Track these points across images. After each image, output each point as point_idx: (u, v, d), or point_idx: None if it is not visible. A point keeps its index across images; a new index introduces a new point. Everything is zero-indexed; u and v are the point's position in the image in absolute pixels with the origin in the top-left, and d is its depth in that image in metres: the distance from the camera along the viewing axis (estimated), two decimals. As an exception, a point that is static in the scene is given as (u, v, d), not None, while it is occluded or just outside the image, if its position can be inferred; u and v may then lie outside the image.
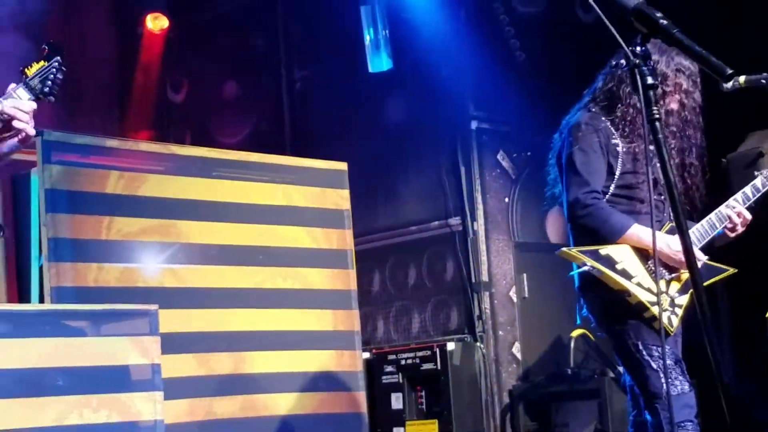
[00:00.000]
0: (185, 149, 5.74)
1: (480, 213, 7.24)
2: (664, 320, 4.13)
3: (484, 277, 7.17)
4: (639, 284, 4.13)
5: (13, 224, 5.28)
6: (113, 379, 4.16)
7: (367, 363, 6.77)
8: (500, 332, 7.17)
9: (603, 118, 4.29)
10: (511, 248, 7.33)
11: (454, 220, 7.28)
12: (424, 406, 6.91)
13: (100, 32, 8.89)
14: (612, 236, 4.17)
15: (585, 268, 4.18)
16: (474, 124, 7.28)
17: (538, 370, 7.15)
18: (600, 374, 6.62)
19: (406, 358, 6.96)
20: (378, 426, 6.86)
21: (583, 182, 4.20)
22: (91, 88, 8.75)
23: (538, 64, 7.25)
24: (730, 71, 2.72)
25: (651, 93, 2.82)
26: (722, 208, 4.36)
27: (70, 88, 8.07)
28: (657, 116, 2.81)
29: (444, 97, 7.28)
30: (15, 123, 3.02)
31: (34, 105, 3.08)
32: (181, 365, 5.04)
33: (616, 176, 4.26)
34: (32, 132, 3.05)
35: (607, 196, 4.25)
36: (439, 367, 6.83)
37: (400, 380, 6.96)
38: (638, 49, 2.83)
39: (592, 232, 4.20)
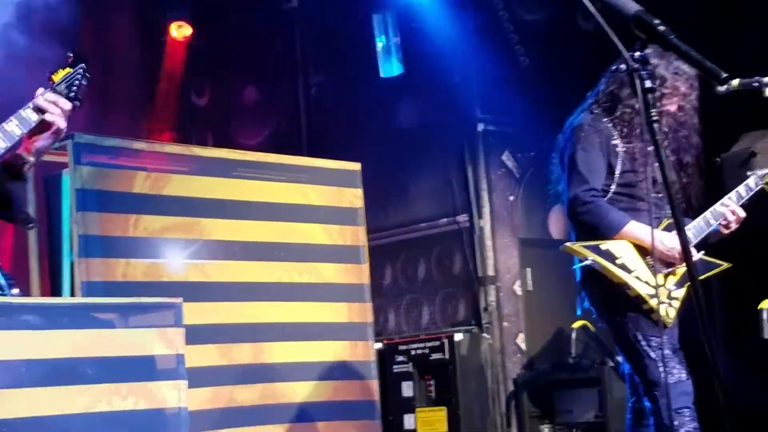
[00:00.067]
0: (207, 151, 5.74)
1: (486, 210, 7.23)
2: (662, 312, 4.12)
3: (490, 272, 7.16)
4: (638, 278, 4.12)
5: (46, 223, 5.29)
6: (140, 369, 4.16)
7: (380, 353, 6.75)
8: (505, 324, 7.16)
9: (604, 120, 4.28)
10: (515, 244, 7.32)
11: (462, 217, 7.27)
12: (433, 394, 6.90)
13: (127, 40, 8.90)
14: (609, 232, 4.16)
15: (587, 262, 4.17)
16: (480, 126, 7.28)
17: (542, 360, 7.14)
18: (600, 363, 6.60)
19: (416, 349, 6.95)
20: (389, 413, 6.85)
21: (583, 180, 4.18)
22: (119, 92, 8.76)
23: (541, 70, 7.23)
24: (724, 75, 2.70)
25: (649, 96, 2.81)
26: (717, 206, 4.35)
27: (100, 92, 8.15)
28: (655, 118, 2.80)
29: (452, 100, 7.27)
30: (47, 116, 3.03)
31: (69, 104, 3.09)
32: (204, 355, 5.04)
33: (616, 175, 4.25)
34: (63, 125, 3.06)
35: (609, 194, 4.24)
36: (447, 357, 6.82)
37: (411, 369, 6.95)
38: (637, 54, 2.82)
39: (591, 228, 4.19)
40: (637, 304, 4.13)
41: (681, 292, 4.20)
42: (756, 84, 4.11)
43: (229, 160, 5.48)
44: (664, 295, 4.16)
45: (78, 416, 3.93)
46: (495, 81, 7.14)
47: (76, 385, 3.97)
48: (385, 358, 6.97)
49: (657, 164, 2.87)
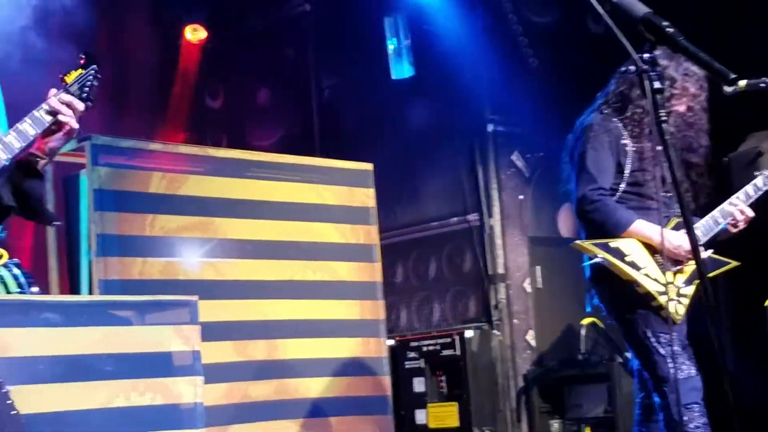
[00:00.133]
0: (222, 152, 5.75)
1: (496, 209, 7.22)
2: (671, 309, 4.10)
3: (500, 269, 7.15)
4: (647, 275, 4.10)
5: (64, 222, 5.31)
6: (157, 365, 4.18)
7: (392, 349, 6.75)
8: (515, 320, 7.15)
9: (614, 120, 4.26)
10: (525, 242, 7.31)
11: (472, 216, 7.26)
12: (444, 390, 6.90)
13: (143, 43, 8.91)
14: (616, 230, 4.14)
15: (596, 259, 4.15)
16: (490, 127, 7.27)
17: (551, 356, 7.13)
18: (609, 359, 6.59)
19: (427, 345, 6.95)
20: (401, 408, 6.85)
21: (592, 179, 4.17)
22: (135, 94, 8.78)
23: (550, 71, 7.21)
24: (732, 76, 2.69)
25: (658, 97, 2.80)
26: (725, 205, 4.32)
27: (116, 94, 8.17)
28: (664, 119, 2.79)
29: (462, 102, 7.27)
30: (60, 117, 3.04)
31: (82, 105, 3.09)
32: (219, 352, 5.05)
33: (626, 174, 4.23)
34: (76, 125, 3.06)
35: (618, 193, 4.22)
36: (458, 354, 6.81)
37: (422, 365, 6.95)
38: (646, 55, 2.80)
39: (598, 226, 4.17)
40: (646, 301, 4.12)
41: (690, 289, 4.18)
42: (763, 85, 4.08)
43: (243, 161, 5.50)
44: (673, 292, 4.14)
45: (96, 411, 3.94)
46: (504, 82, 7.13)
47: (95, 381, 3.99)
48: (397, 354, 6.97)
49: (666, 164, 2.85)
